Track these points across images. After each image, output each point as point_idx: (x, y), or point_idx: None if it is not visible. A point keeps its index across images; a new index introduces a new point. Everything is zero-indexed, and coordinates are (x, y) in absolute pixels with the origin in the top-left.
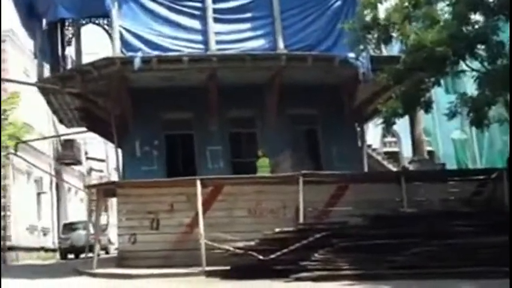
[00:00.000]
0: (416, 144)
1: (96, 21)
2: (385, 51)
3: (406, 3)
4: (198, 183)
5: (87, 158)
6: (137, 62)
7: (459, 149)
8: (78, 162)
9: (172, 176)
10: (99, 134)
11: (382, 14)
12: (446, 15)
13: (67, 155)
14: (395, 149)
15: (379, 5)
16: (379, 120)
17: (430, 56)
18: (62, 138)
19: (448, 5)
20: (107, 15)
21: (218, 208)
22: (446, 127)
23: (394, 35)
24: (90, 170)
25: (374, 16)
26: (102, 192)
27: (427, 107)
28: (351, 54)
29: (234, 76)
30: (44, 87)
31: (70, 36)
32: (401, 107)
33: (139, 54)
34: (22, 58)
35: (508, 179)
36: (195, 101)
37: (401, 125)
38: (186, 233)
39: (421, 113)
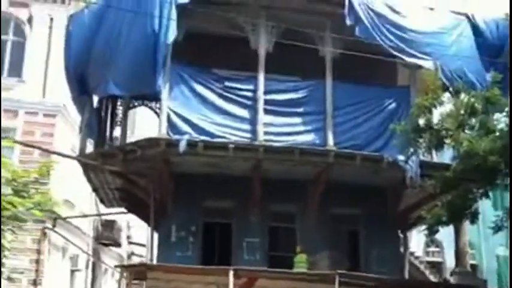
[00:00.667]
0: (459, 256)
1: (149, 105)
2: (435, 158)
3: (462, 111)
4: (231, 273)
5: (130, 243)
6: (183, 145)
7: (502, 265)
8: (117, 244)
9: (206, 264)
10: (138, 216)
11: (435, 118)
12: (502, 125)
13: (106, 235)
14: (439, 259)
15: (433, 109)
16: (422, 227)
17: (481, 164)
18: (103, 218)
19: (505, 116)
20: (156, 95)
21: None
22: (492, 242)
23: (446, 141)
24: (132, 254)
25: (427, 119)
26: (134, 274)
27: (473, 218)
28: (401, 157)
29: (279, 169)
30: (84, 162)
31: (120, 116)
32: (446, 215)
33: (186, 137)
34: (71, 135)
35: None
36: (237, 190)
37: (446, 234)
38: None
39: (466, 224)
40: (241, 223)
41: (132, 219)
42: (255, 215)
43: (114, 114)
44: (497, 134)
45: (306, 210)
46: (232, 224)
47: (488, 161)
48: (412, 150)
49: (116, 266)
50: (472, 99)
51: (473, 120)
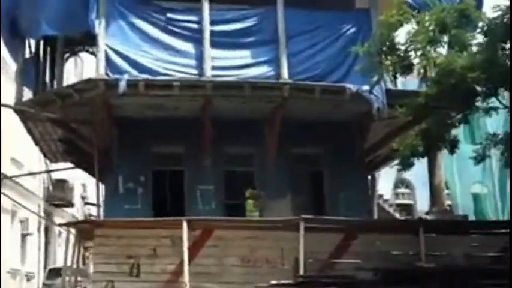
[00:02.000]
0: (435, 194)
1: (90, 50)
2: (400, 86)
3: (432, 27)
4: (185, 224)
5: (86, 203)
6: (122, 86)
7: (479, 202)
8: (70, 205)
9: (158, 217)
10: (85, 170)
11: (402, 39)
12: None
13: (58, 196)
14: (409, 201)
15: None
16: (392, 164)
17: (459, 83)
18: (54, 178)
19: (479, 33)
20: (91, 33)
21: (207, 255)
22: (467, 179)
23: (416, 61)
24: (89, 215)
25: (392, 39)
26: (82, 233)
27: (452, 146)
28: (365, 87)
29: (231, 107)
30: (21, 111)
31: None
32: (422, 145)
33: (125, 76)
34: (12, 87)
35: None
36: (187, 133)
37: (417, 174)
38: (169, 282)
39: (441, 158)
40: (194, 169)
41: (87, 178)
42: (207, 160)
43: (53, 61)
44: (475, 49)
45: (264, 152)
46: (184, 171)
47: (468, 78)
48: (377, 76)
49: (59, 225)
50: (443, 14)
51: (445, 37)
